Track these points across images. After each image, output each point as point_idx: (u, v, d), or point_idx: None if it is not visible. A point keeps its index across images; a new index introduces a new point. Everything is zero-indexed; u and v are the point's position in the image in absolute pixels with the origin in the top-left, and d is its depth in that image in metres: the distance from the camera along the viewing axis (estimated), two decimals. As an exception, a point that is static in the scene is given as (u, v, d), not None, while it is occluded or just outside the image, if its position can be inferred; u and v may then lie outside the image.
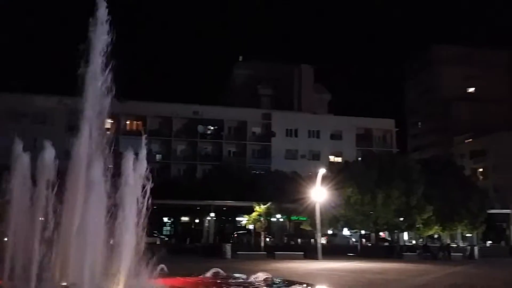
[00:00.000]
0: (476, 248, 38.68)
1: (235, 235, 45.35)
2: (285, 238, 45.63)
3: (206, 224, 45.07)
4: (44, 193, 9.25)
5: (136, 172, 9.37)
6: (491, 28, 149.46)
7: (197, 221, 49.25)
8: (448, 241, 44.19)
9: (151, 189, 9.49)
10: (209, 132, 61.30)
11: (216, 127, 61.29)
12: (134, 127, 59.66)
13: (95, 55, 10.65)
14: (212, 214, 43.02)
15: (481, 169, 72.22)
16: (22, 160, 9.71)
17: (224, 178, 46.90)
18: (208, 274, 9.03)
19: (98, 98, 10.45)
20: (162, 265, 9.66)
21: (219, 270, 8.88)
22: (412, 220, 35.83)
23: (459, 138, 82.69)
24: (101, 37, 10.66)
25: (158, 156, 57.97)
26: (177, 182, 51.44)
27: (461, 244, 46.12)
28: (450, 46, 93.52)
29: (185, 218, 50.25)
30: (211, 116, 60.59)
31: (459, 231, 43.70)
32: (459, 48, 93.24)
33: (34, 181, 9.49)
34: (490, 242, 52.56)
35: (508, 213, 56.26)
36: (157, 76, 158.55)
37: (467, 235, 47.28)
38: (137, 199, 9.14)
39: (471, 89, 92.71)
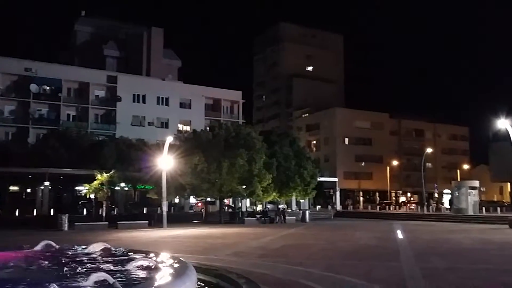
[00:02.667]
0: (307, 212, 42.85)
1: (80, 203, 42.60)
2: (129, 207, 44.41)
3: (40, 194, 41.19)
4: None
5: None
6: (324, 10, 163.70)
7: (29, 190, 44.81)
8: (284, 206, 48.06)
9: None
10: (44, 92, 55.23)
11: (53, 87, 55.44)
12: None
13: None
14: (47, 183, 39.37)
15: (314, 141, 79.90)
16: None
17: (62, 144, 43.19)
18: (38, 247, 8.03)
19: None
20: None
21: (51, 242, 7.98)
22: (253, 187, 37.84)
23: (297, 112, 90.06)
24: None
25: (-20, 117, 50.61)
26: (4, 147, 45.84)
27: (294, 209, 50.74)
28: (295, 25, 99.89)
29: (14, 188, 45.22)
30: (47, 75, 54.61)
31: (293, 197, 47.81)
32: (303, 28, 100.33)
33: None
34: (319, 206, 59.12)
35: (335, 181, 63.86)
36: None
37: (301, 200, 52.09)
38: None
39: (310, 68, 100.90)
